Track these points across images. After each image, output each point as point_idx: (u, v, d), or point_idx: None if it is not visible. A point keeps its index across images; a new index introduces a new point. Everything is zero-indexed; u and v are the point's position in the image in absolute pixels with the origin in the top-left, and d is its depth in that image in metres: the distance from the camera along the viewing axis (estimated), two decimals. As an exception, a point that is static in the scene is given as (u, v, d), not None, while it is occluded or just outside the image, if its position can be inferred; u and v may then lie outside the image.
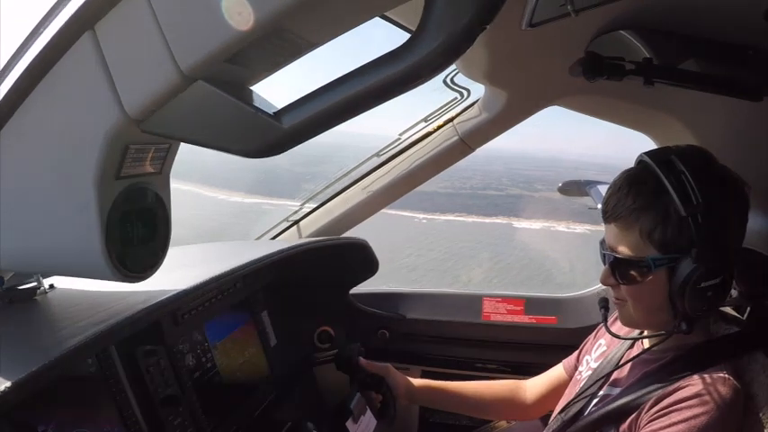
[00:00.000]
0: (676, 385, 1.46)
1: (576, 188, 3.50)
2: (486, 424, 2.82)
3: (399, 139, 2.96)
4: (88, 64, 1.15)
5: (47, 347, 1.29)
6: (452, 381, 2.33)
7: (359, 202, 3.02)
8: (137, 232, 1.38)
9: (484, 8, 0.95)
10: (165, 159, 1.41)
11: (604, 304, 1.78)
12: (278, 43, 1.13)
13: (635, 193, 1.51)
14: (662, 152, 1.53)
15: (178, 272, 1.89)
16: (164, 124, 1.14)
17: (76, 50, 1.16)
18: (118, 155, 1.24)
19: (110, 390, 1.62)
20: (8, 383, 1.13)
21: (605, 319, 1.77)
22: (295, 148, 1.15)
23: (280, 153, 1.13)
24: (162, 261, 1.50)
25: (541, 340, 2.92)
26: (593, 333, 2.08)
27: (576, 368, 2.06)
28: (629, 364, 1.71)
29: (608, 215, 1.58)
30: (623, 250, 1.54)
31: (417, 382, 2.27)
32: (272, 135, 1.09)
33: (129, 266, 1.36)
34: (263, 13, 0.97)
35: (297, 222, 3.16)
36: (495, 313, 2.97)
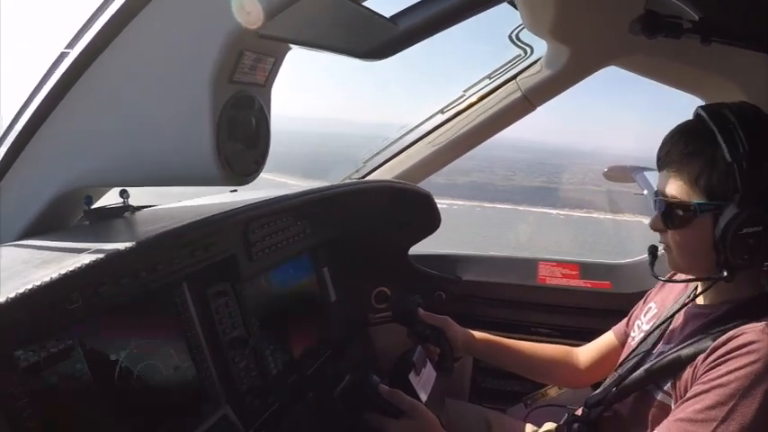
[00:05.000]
0: (730, 334, 1.47)
1: (622, 174, 3.49)
2: (537, 391, 2.85)
3: (464, 95, 2.97)
4: None
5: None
6: None
7: (423, 158, 3.04)
8: (242, 138, 1.42)
9: None
10: (271, 72, 1.46)
11: (653, 251, 1.81)
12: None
13: (686, 141, 1.56)
14: (716, 105, 1.56)
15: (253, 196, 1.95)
16: (282, 27, 1.21)
17: None
18: (233, 58, 1.30)
19: (181, 327, 1.67)
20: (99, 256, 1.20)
21: (652, 264, 1.79)
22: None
23: (392, 54, 1.20)
24: (261, 170, 1.54)
25: (595, 305, 2.91)
26: (643, 299, 2.09)
27: (626, 335, 2.07)
28: (682, 321, 1.72)
29: (661, 162, 1.64)
30: (672, 195, 1.58)
31: (476, 335, 2.28)
32: (388, 36, 1.16)
33: (235, 169, 1.41)
34: None
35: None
36: (551, 277, 2.99)
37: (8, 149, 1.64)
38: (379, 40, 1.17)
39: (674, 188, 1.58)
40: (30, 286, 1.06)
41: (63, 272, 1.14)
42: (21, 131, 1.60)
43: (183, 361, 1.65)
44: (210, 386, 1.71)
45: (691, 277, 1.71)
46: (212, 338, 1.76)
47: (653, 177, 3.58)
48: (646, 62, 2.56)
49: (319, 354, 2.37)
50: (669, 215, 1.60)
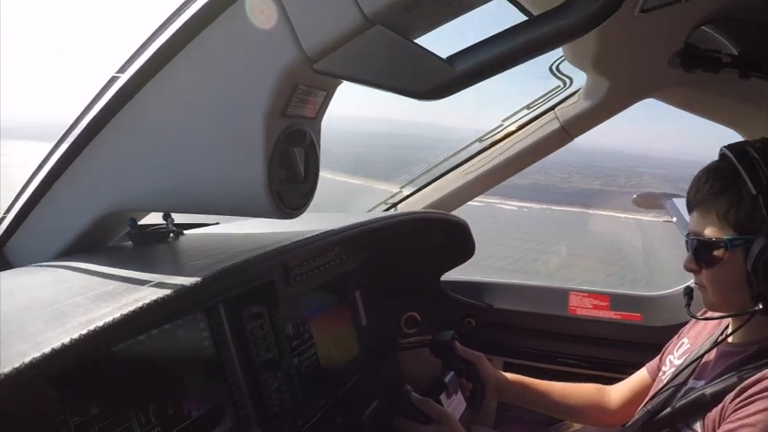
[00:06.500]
0: (760, 375, 1.47)
1: (651, 201, 3.47)
2: (562, 422, 2.83)
3: (502, 125, 3.00)
4: (265, 6, 1.22)
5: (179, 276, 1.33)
6: (534, 373, 2.34)
7: (458, 187, 3.06)
8: (292, 172, 1.44)
9: None
10: (322, 106, 1.48)
11: (688, 292, 1.82)
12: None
13: (712, 180, 1.60)
14: (740, 143, 1.60)
15: (293, 230, 1.94)
16: (338, 64, 1.21)
17: None
18: (287, 92, 1.31)
19: (216, 348, 1.66)
20: (143, 303, 1.17)
21: (688, 306, 1.80)
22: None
23: (448, 95, 1.20)
24: (309, 203, 1.55)
25: (625, 337, 2.89)
26: (677, 335, 2.09)
27: (659, 370, 2.07)
28: (713, 358, 1.73)
29: (690, 204, 1.67)
30: (703, 234, 1.60)
31: (507, 377, 2.28)
32: (444, 77, 1.16)
33: (286, 203, 1.42)
34: None
35: (395, 205, 3.20)
36: (581, 308, 2.96)
37: (54, 166, 1.66)
38: (435, 82, 1.17)
39: (705, 227, 1.61)
40: (92, 327, 1.05)
41: (125, 311, 1.13)
42: (67, 149, 1.62)
43: (217, 382, 1.65)
44: (242, 407, 1.70)
45: (726, 314, 1.71)
46: (246, 360, 1.76)
47: (682, 204, 3.57)
48: (684, 95, 2.58)
49: (349, 377, 2.37)
50: (701, 254, 1.62)
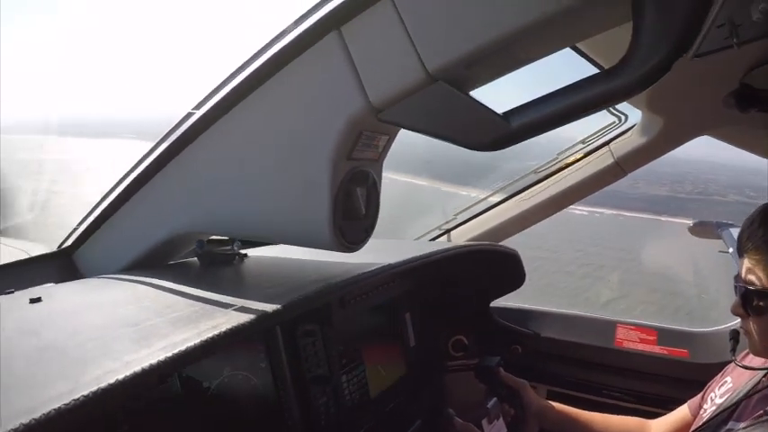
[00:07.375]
0: None
1: (707, 230, 3.42)
2: None
3: (557, 158, 3.07)
4: (335, 58, 1.32)
5: (241, 309, 1.39)
6: (577, 403, 2.35)
7: (512, 217, 3.13)
8: (354, 209, 1.52)
9: (685, 39, 1.09)
10: (384, 148, 1.57)
11: (734, 336, 1.80)
12: (505, 54, 1.27)
13: (765, 226, 1.54)
14: None
15: (352, 258, 1.97)
16: (401, 115, 1.30)
17: (322, 46, 1.34)
18: (353, 138, 1.40)
19: (270, 363, 1.75)
20: (211, 335, 1.22)
21: (734, 350, 1.78)
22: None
23: (502, 149, 1.28)
24: (369, 239, 1.63)
25: (670, 372, 2.86)
26: (720, 373, 2.05)
27: (700, 407, 2.03)
28: (755, 400, 1.69)
29: (741, 249, 1.61)
30: (753, 282, 1.55)
31: (551, 405, 2.29)
32: (500, 132, 1.24)
33: (347, 238, 1.51)
34: (511, 24, 1.12)
35: (448, 231, 3.29)
36: (628, 341, 2.94)
37: (130, 183, 1.78)
38: (491, 136, 1.24)
39: (755, 275, 1.55)
40: (176, 350, 1.11)
41: (204, 337, 1.19)
42: (145, 170, 1.74)
43: (269, 394, 1.73)
44: (290, 420, 1.77)
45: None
46: (297, 375, 1.83)
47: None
48: (739, 134, 2.59)
49: (394, 396, 2.41)
50: (750, 302, 1.57)
